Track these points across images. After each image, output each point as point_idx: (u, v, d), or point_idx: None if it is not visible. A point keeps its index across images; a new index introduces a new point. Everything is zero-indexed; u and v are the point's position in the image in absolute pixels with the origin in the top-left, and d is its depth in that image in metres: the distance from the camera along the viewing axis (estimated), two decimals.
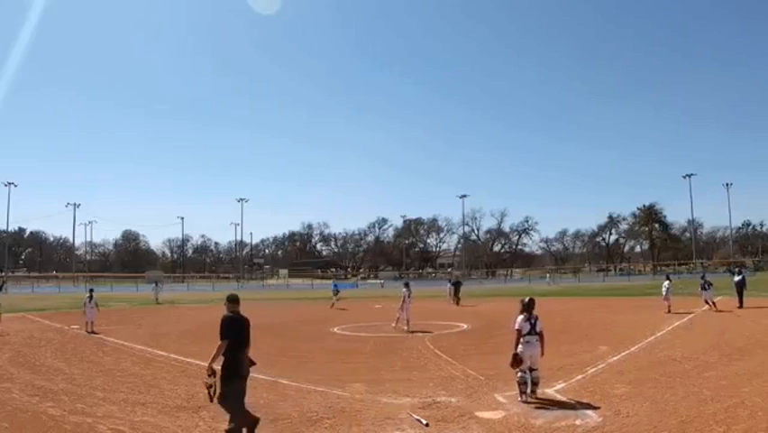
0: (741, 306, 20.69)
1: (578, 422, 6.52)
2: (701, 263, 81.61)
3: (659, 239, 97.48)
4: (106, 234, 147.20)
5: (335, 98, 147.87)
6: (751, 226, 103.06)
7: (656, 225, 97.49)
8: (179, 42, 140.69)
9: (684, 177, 79.14)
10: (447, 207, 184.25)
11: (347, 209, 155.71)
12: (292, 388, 8.93)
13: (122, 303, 35.77)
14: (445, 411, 7.20)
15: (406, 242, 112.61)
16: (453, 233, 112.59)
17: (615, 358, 10.96)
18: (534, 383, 7.73)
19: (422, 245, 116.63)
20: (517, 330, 7.78)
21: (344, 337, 16.39)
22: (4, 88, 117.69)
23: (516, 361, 7.69)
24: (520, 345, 7.72)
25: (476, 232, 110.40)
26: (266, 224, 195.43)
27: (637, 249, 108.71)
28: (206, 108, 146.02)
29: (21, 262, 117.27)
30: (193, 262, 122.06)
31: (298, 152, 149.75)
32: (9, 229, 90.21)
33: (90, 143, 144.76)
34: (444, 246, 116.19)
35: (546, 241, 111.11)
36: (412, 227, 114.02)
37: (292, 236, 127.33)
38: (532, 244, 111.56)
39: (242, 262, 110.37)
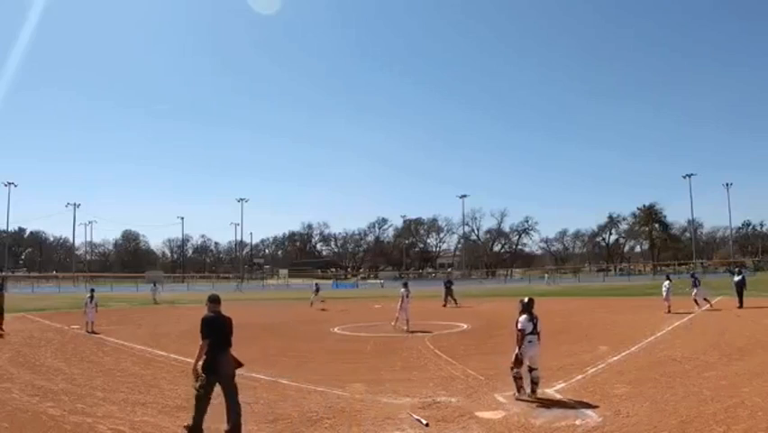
0: (741, 306, 20.69)
1: (578, 422, 6.52)
2: (701, 263, 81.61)
3: (659, 239, 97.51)
4: (106, 234, 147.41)
5: (335, 98, 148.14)
6: (751, 226, 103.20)
7: (656, 225, 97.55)
8: (179, 42, 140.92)
9: (684, 177, 79.30)
10: (447, 207, 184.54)
11: (347, 209, 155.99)
12: (292, 388, 8.93)
13: (122, 303, 35.77)
14: (445, 411, 7.20)
15: (406, 242, 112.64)
16: (453, 233, 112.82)
17: (615, 358, 10.95)
18: (535, 383, 7.74)
19: (422, 245, 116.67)
20: (521, 330, 7.78)
21: (344, 337, 16.39)
22: (4, 88, 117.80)
23: (518, 362, 7.71)
24: (522, 345, 7.74)
25: (476, 232, 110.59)
26: (266, 224, 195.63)
27: (637, 249, 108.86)
28: (206, 108, 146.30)
29: (21, 262, 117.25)
30: (193, 262, 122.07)
31: (298, 152, 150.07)
32: (9, 229, 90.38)
33: (90, 143, 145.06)
34: (444, 246, 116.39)
35: (546, 241, 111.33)
36: (412, 227, 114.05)
37: (292, 236, 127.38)
38: (532, 244, 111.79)
39: (242, 262, 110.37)
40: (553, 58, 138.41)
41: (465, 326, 18.36)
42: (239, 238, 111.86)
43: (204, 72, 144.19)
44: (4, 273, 75.28)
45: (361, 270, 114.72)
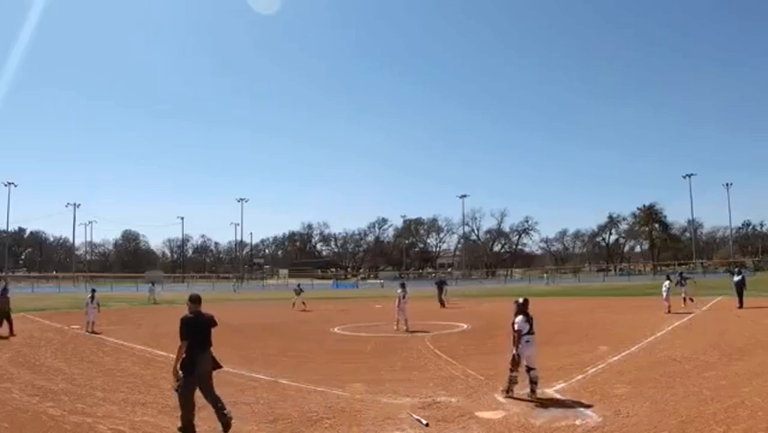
0: (741, 306, 20.69)
1: (578, 422, 6.52)
2: (701, 263, 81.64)
3: (659, 239, 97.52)
4: (106, 234, 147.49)
5: (335, 98, 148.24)
6: (751, 226, 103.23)
7: (656, 225, 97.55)
8: (179, 42, 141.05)
9: (684, 177, 79.39)
10: (447, 207, 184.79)
11: (347, 209, 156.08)
12: (292, 388, 8.92)
13: (122, 303, 35.77)
14: (445, 411, 7.20)
15: (406, 242, 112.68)
16: (453, 233, 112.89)
17: (615, 358, 10.95)
18: (534, 382, 7.74)
19: (422, 245, 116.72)
20: (518, 331, 7.79)
21: (344, 337, 16.38)
22: (4, 88, 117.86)
23: (516, 363, 7.72)
24: (519, 346, 7.75)
25: (476, 232, 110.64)
26: (266, 224, 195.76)
27: (637, 249, 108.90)
28: (206, 108, 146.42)
29: (21, 262, 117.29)
30: (193, 262, 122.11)
31: (298, 152, 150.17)
32: (9, 229, 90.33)
33: (90, 143, 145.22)
34: (444, 246, 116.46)
35: (546, 241, 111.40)
36: (412, 227, 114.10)
37: (292, 236, 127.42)
38: (532, 244, 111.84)
39: (242, 262, 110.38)
40: (553, 58, 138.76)
41: (465, 326, 18.36)
42: (239, 238, 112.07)
43: (204, 72, 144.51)
44: (3, 274, 75.29)
45: (361, 270, 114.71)
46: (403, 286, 18.45)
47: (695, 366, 9.76)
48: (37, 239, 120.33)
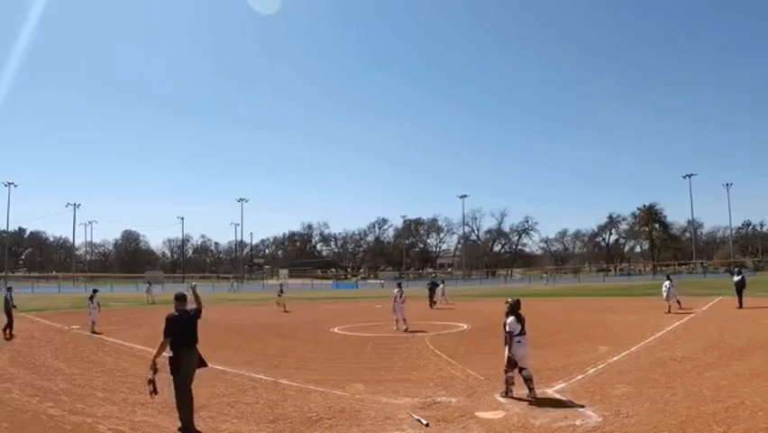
0: (740, 306, 20.70)
1: (578, 422, 6.52)
2: (701, 263, 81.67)
3: (659, 239, 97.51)
4: (106, 234, 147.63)
5: (335, 98, 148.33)
6: (751, 226, 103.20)
7: (656, 226, 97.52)
8: (179, 42, 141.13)
9: (684, 177, 79.33)
10: (447, 207, 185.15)
11: (347, 209, 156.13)
12: (292, 388, 8.92)
13: (121, 303, 35.77)
14: (445, 411, 7.20)
15: (407, 242, 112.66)
16: (453, 233, 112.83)
17: (615, 358, 10.95)
18: (528, 380, 7.78)
19: (422, 245, 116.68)
20: (509, 332, 7.84)
21: (344, 337, 16.38)
22: (4, 88, 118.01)
23: (511, 364, 7.75)
24: (511, 346, 7.81)
25: (476, 232, 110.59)
26: (266, 224, 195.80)
27: (637, 249, 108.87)
28: (206, 108, 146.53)
29: (21, 262, 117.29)
30: (193, 262, 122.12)
31: (298, 152, 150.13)
32: (9, 229, 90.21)
33: (90, 143, 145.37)
34: (444, 246, 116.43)
35: (546, 241, 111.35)
36: (412, 227, 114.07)
37: (292, 236, 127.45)
38: (532, 245, 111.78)
39: (242, 262, 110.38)
40: (553, 58, 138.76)
41: (465, 326, 18.35)
42: (239, 238, 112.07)
43: (203, 72, 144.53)
44: (3, 274, 75.30)
45: (361, 270, 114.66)
46: (399, 286, 18.46)
47: (695, 366, 9.76)
48: (37, 239, 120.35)
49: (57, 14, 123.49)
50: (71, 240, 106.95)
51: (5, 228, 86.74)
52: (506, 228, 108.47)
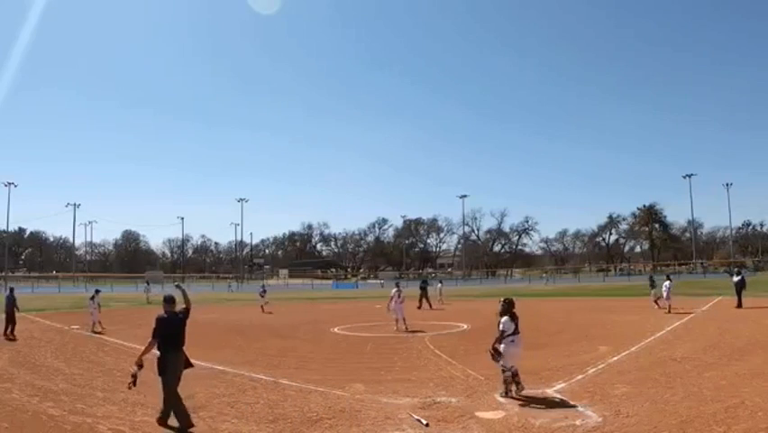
0: (740, 306, 20.70)
1: (578, 422, 6.51)
2: (701, 263, 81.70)
3: (659, 239, 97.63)
4: (106, 234, 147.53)
5: (335, 98, 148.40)
6: (751, 226, 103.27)
7: (656, 226, 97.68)
8: (179, 42, 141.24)
9: (684, 177, 79.50)
10: (447, 207, 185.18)
11: (347, 209, 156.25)
12: (292, 388, 8.92)
13: (121, 303, 35.77)
14: (445, 411, 7.20)
15: (407, 242, 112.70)
16: (453, 233, 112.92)
17: (615, 358, 10.95)
18: (515, 375, 7.83)
19: (422, 245, 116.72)
20: (502, 331, 7.90)
21: (344, 337, 16.37)
22: (4, 88, 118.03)
23: (498, 352, 7.82)
24: (503, 345, 7.87)
25: (476, 232, 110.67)
26: (266, 224, 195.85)
27: (637, 249, 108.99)
28: (206, 108, 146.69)
29: (21, 262, 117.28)
30: (193, 262, 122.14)
31: (298, 152, 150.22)
32: (9, 229, 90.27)
33: (90, 143, 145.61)
34: (444, 246, 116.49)
35: (546, 241, 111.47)
36: (412, 227, 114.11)
37: (292, 236, 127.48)
38: (532, 245, 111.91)
39: (242, 262, 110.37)
40: (553, 58, 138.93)
41: (465, 326, 18.34)
42: (239, 238, 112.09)
43: (203, 72, 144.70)
44: (4, 274, 75.29)
45: (361, 270, 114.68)
46: (398, 285, 18.45)
47: (695, 366, 9.76)
48: (37, 239, 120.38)
49: (57, 14, 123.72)
50: (71, 240, 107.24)
51: (5, 228, 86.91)
52: (506, 228, 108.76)
